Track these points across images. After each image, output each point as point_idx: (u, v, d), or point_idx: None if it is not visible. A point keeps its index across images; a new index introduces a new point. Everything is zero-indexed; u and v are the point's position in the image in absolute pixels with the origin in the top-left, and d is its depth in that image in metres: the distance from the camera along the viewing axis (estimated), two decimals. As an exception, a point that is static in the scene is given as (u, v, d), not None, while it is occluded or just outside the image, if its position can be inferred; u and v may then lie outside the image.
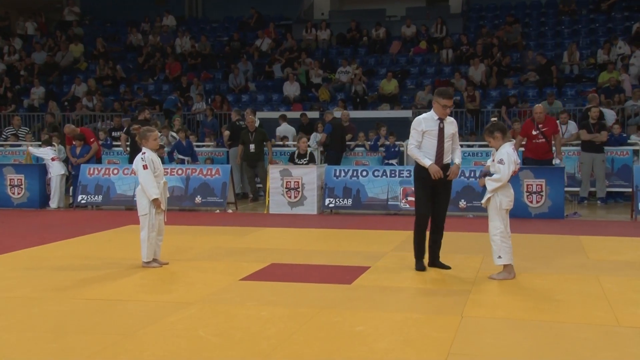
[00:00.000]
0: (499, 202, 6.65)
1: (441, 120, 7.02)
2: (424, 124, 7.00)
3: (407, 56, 21.23)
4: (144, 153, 7.36)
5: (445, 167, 7.02)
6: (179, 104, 19.10)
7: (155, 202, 7.25)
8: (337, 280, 6.68)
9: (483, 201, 6.79)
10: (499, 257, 6.63)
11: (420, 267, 7.10)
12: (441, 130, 7.01)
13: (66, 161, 14.11)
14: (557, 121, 13.07)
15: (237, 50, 22.38)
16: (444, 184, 7.07)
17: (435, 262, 7.21)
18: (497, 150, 6.77)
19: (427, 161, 6.93)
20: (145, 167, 7.25)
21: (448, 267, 7.18)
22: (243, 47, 22.65)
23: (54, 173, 13.45)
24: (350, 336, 4.87)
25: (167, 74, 21.71)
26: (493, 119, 7.23)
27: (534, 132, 12.13)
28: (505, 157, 6.62)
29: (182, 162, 14.49)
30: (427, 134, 6.99)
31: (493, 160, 6.74)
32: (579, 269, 7.22)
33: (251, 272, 7.03)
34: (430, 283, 6.61)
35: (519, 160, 6.86)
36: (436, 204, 7.09)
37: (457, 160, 7.14)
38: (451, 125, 7.09)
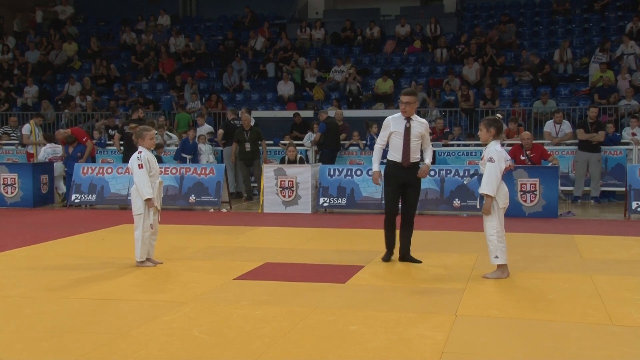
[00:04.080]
0: (495, 201, 6.62)
1: (408, 120, 7.30)
2: (392, 124, 7.35)
3: (401, 55, 21.24)
4: (140, 152, 7.34)
5: (414, 166, 7.34)
6: (174, 103, 19.11)
7: (149, 202, 7.24)
8: (331, 280, 6.68)
9: (485, 208, 6.62)
10: (496, 256, 6.61)
11: (385, 258, 7.46)
12: (407, 130, 7.30)
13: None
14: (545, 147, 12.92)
15: (232, 50, 22.36)
16: (413, 183, 7.36)
17: (405, 257, 7.46)
18: (485, 145, 6.76)
19: (375, 166, 7.45)
20: (140, 166, 7.24)
21: (419, 261, 7.36)
22: (237, 46, 22.63)
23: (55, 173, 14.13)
24: (344, 335, 4.87)
25: (161, 72, 21.68)
26: (498, 115, 7.26)
27: (522, 158, 12.16)
28: (495, 154, 6.57)
29: (184, 160, 14.49)
30: (395, 134, 7.32)
31: (482, 159, 6.72)
32: (572, 267, 7.24)
33: (245, 271, 7.03)
34: (424, 282, 6.61)
35: (509, 157, 6.81)
36: (405, 201, 7.41)
37: (428, 160, 7.43)
38: (421, 126, 7.37)
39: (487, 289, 6.29)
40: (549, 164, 12.26)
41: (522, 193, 11.60)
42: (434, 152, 14.45)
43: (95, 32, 24.86)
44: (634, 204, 11.46)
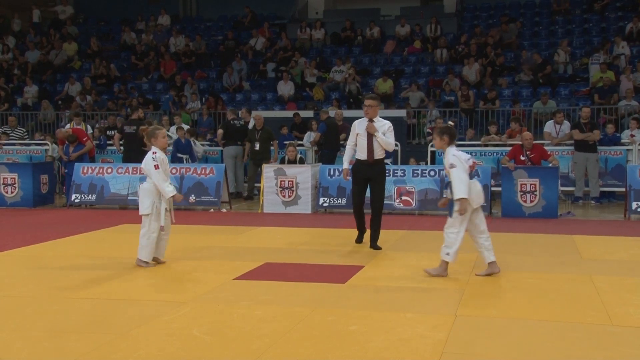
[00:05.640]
0: (458, 205, 6.59)
1: (371, 121, 8.16)
2: (357, 127, 8.29)
3: (401, 56, 21.25)
4: (155, 153, 7.34)
5: (378, 162, 8.25)
6: (171, 103, 19.10)
7: (176, 197, 7.47)
8: (331, 280, 6.68)
9: (455, 209, 6.59)
10: (447, 253, 6.70)
11: (357, 240, 8.58)
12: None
13: (60, 161, 14.17)
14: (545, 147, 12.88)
15: (232, 50, 22.36)
16: (376, 177, 8.27)
17: (372, 245, 8.33)
18: (443, 153, 6.88)
19: (345, 164, 8.46)
20: (157, 167, 7.26)
21: (379, 248, 8.21)
22: (237, 46, 22.64)
23: None
24: (344, 335, 4.88)
25: (161, 72, 21.68)
26: (450, 123, 7.38)
27: (522, 158, 12.15)
28: (454, 160, 6.63)
29: (180, 160, 14.48)
30: (360, 136, 8.24)
31: (445, 168, 6.79)
32: (572, 268, 7.24)
33: (245, 271, 7.03)
34: (424, 282, 6.61)
35: (469, 156, 6.79)
36: (372, 195, 8.33)
37: (382, 135, 8.13)
38: (383, 127, 8.21)
39: (487, 289, 6.30)
40: (549, 165, 12.26)
41: (522, 193, 11.60)
42: (433, 152, 14.64)
43: (95, 32, 24.85)
44: (634, 205, 11.46)
